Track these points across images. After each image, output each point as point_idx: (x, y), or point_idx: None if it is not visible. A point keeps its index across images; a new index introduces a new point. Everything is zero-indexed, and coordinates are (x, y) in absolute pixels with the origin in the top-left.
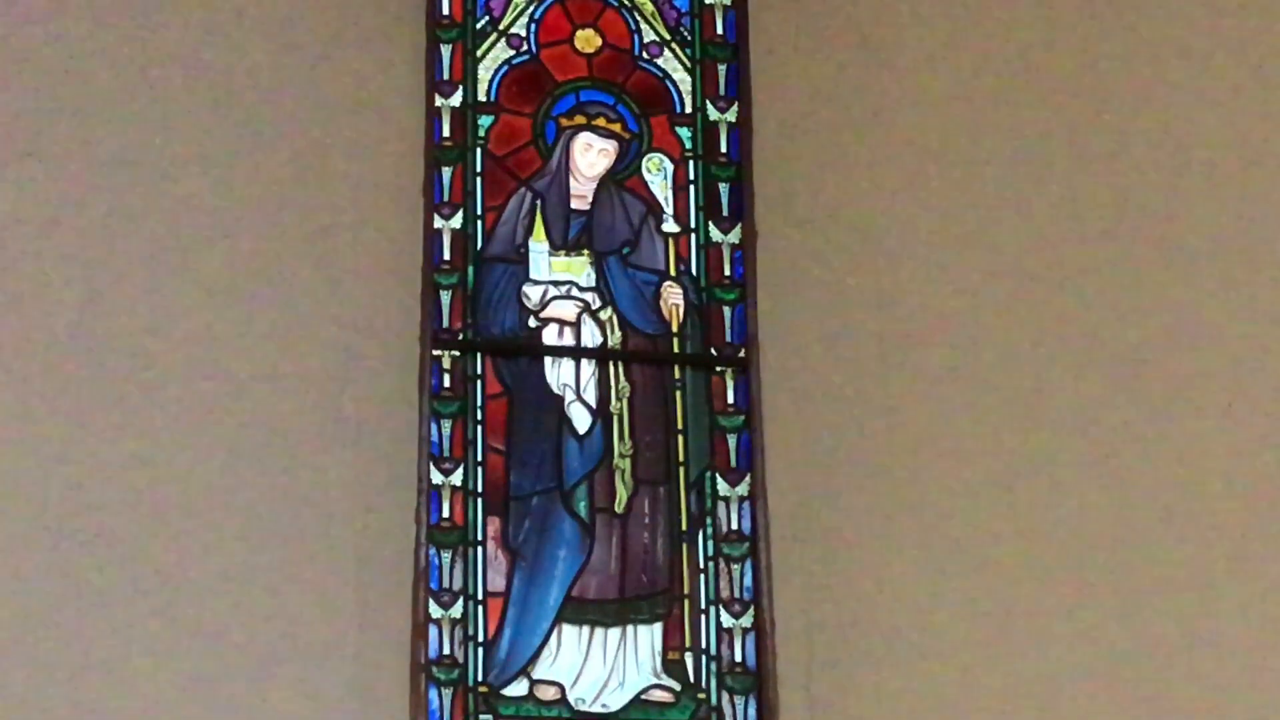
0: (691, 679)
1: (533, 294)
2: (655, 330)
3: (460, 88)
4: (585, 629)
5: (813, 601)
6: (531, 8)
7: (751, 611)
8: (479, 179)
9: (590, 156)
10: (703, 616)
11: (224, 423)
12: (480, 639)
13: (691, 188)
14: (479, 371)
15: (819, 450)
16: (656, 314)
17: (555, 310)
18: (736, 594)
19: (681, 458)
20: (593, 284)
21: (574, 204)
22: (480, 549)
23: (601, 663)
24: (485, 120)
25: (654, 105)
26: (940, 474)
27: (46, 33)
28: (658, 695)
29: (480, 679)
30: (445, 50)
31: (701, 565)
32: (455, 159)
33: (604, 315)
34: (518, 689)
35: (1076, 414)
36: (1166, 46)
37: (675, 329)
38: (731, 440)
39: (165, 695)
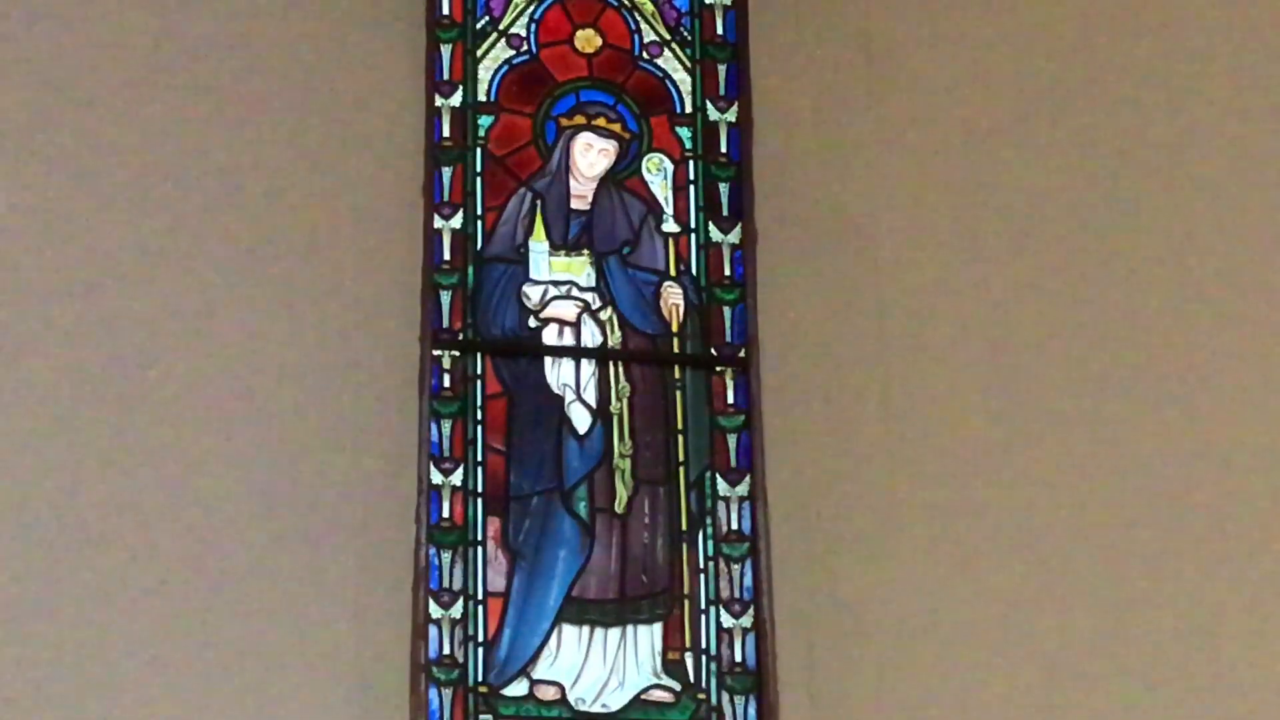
0: (691, 679)
1: (533, 294)
2: (655, 330)
3: (460, 88)
4: (585, 629)
5: (813, 601)
6: (531, 8)
7: (751, 611)
8: (479, 179)
9: (590, 156)
10: (703, 616)
11: (223, 423)
12: (480, 639)
13: (691, 188)
14: (479, 371)
15: (819, 450)
16: (656, 314)
17: (555, 310)
18: (736, 594)
19: (681, 458)
20: (593, 284)
21: (574, 204)
22: (480, 549)
23: (601, 663)
24: (485, 120)
25: (654, 105)
26: (940, 473)
27: (46, 33)
28: (658, 695)
29: (480, 679)
30: (445, 50)
31: (701, 565)
32: (455, 159)
33: (604, 315)
34: (518, 689)
35: (1078, 413)
36: (1169, 46)
37: (675, 329)
38: (731, 440)
39: (165, 695)
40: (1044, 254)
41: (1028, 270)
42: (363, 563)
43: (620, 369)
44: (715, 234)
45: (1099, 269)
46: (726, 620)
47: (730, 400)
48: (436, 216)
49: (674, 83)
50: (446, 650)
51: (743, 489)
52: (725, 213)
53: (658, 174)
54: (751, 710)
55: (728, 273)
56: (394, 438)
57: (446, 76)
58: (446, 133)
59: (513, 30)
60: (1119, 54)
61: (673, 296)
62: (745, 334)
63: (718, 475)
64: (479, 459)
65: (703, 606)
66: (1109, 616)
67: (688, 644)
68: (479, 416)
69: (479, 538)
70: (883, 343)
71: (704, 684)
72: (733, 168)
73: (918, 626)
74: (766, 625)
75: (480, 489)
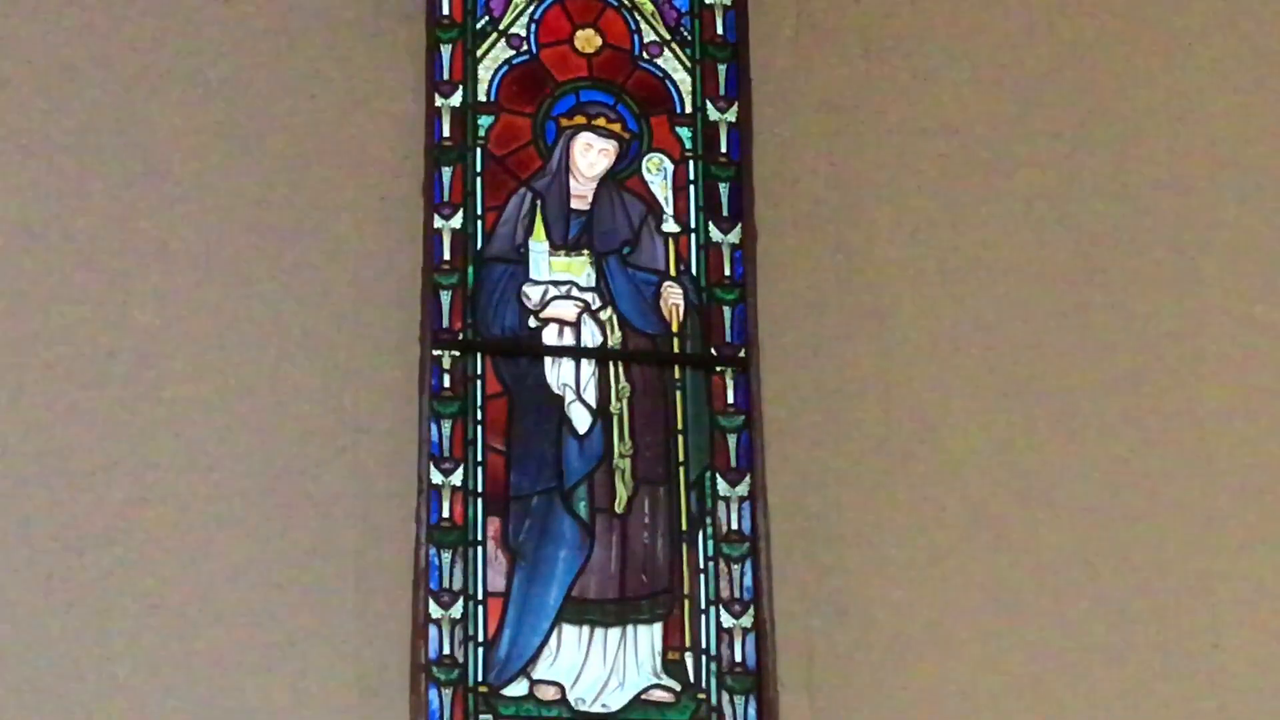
0: (691, 679)
1: (533, 294)
2: (655, 330)
3: (460, 88)
4: (585, 629)
5: (813, 601)
6: (531, 8)
7: (751, 611)
8: (479, 179)
9: (590, 156)
10: (703, 616)
11: (224, 423)
12: (480, 639)
13: (691, 188)
14: (479, 371)
15: (819, 450)
16: (656, 314)
17: (555, 310)
18: (736, 594)
19: (681, 458)
20: (593, 284)
21: (574, 204)
22: (480, 549)
23: (601, 663)
24: (485, 120)
25: (654, 105)
26: (940, 473)
27: (47, 32)
28: (658, 695)
29: (480, 679)
30: (445, 50)
31: (701, 565)
32: (455, 159)
33: (604, 315)
34: (518, 689)
35: (1078, 414)
36: (1171, 47)
37: (675, 329)
38: (731, 440)
39: (165, 695)
40: (1044, 254)
41: (1028, 270)
42: (363, 563)
43: (620, 369)
44: (715, 234)
45: (1100, 269)
46: (726, 620)
47: (730, 400)
48: (436, 216)
49: (674, 83)
50: (446, 650)
51: (743, 489)
52: (725, 213)
53: (658, 174)
54: (751, 710)
55: (728, 273)
56: (394, 438)
57: (446, 76)
58: (446, 133)
59: (513, 30)
60: (1120, 54)
61: (673, 296)
62: (745, 334)
63: (718, 475)
64: (479, 459)
65: (703, 606)
66: (1108, 616)
67: (688, 644)
68: (479, 416)
69: (479, 538)
70: (883, 343)
71: (704, 684)
72: (733, 168)
73: (917, 626)
74: (766, 625)
75: (480, 489)
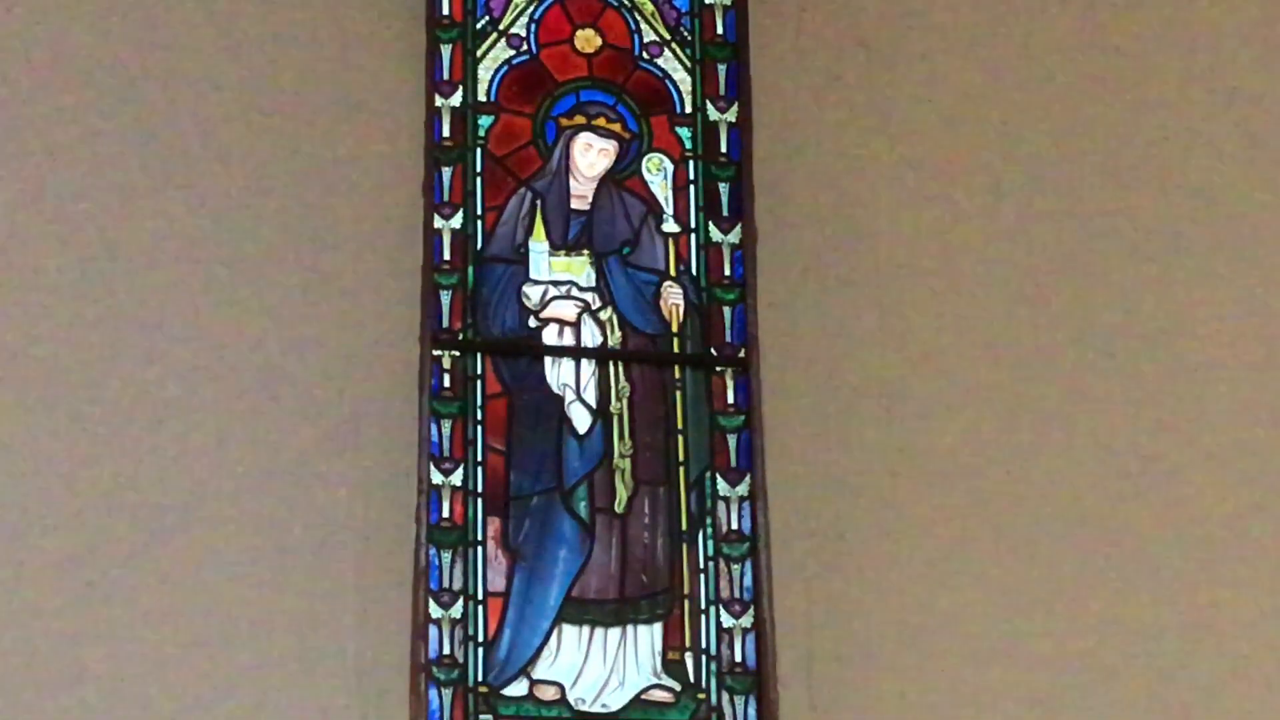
0: (691, 679)
1: (533, 294)
2: (655, 330)
3: (460, 88)
4: (585, 629)
5: (813, 601)
6: (531, 8)
7: (751, 611)
8: (479, 179)
9: (590, 156)
10: (703, 616)
11: (224, 423)
12: (480, 639)
13: (691, 188)
14: (479, 371)
15: (819, 450)
16: (656, 314)
17: (555, 310)
18: (736, 594)
19: (681, 458)
20: (593, 284)
21: (574, 204)
22: (480, 549)
23: (601, 663)
24: (485, 120)
25: (654, 105)
26: (940, 473)
27: (48, 33)
28: (658, 695)
29: (480, 679)
30: (445, 50)
31: (701, 565)
32: (455, 159)
33: (604, 315)
34: (518, 689)
35: (1079, 413)
36: (1170, 49)
37: (675, 329)
38: (731, 440)
39: (165, 696)
40: (1044, 253)
41: (1028, 270)
42: (363, 563)
43: (620, 369)
44: (715, 234)
45: (1101, 269)
46: (726, 620)
47: (730, 400)
48: (436, 216)
49: (674, 83)
50: (446, 650)
51: (743, 489)
52: (725, 213)
53: (658, 174)
54: (751, 710)
55: (728, 273)
56: (394, 438)
57: (446, 76)
58: (446, 133)
59: (513, 30)
60: (1119, 52)
61: (673, 296)
62: (745, 334)
63: (718, 475)
64: (479, 459)
65: (703, 606)
66: (1109, 617)
67: (688, 644)
68: (479, 416)
69: (479, 538)
70: (883, 342)
71: (704, 684)
72: (733, 168)
73: (917, 626)
74: (766, 625)
75: (480, 489)
